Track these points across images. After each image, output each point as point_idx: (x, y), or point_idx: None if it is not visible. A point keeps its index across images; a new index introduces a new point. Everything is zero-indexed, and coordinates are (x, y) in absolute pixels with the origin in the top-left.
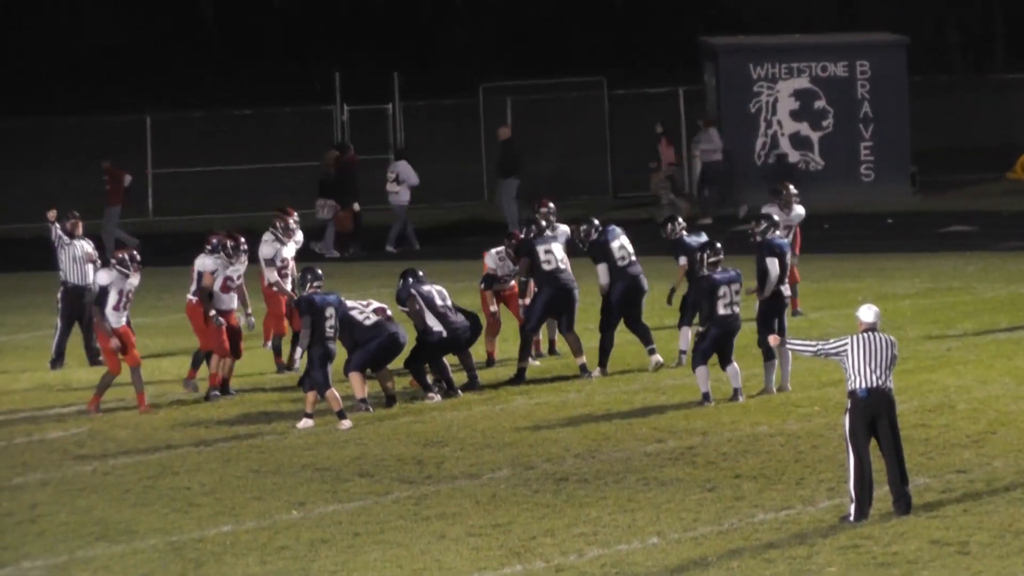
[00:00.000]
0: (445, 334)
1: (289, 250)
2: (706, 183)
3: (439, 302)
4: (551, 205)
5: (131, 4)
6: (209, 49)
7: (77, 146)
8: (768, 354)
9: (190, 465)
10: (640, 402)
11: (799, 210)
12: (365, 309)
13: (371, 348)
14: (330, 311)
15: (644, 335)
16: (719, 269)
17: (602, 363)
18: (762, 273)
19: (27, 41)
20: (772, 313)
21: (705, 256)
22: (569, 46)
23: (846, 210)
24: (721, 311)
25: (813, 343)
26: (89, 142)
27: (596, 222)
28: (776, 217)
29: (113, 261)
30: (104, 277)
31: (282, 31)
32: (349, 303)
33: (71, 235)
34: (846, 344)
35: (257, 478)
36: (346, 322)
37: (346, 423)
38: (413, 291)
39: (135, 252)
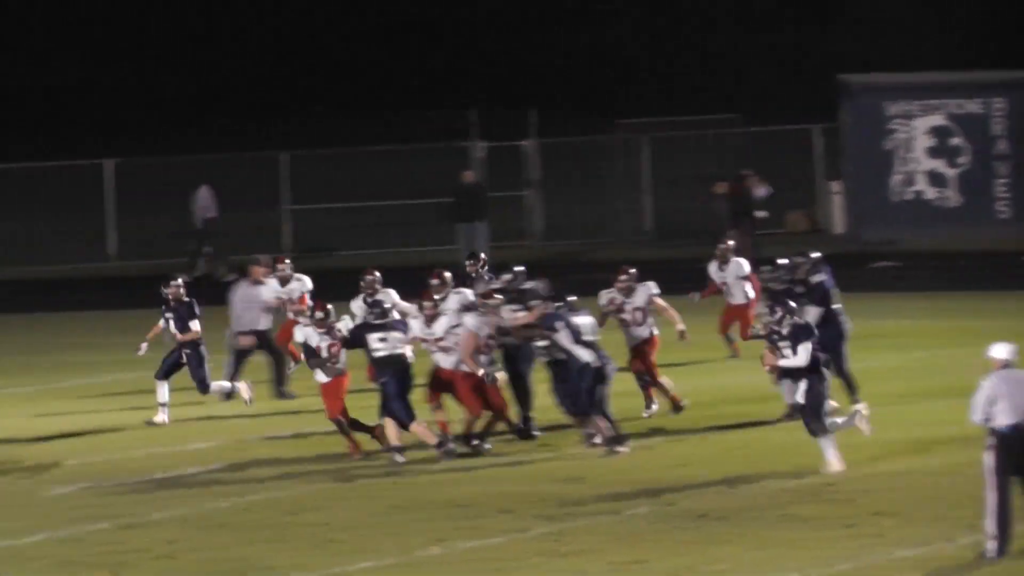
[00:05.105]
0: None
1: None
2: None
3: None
4: (632, 271)
5: (274, 45)
6: (350, 89)
7: (213, 182)
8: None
9: (328, 501)
10: (779, 439)
11: None
12: (389, 339)
13: (391, 392)
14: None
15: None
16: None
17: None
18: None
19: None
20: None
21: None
22: (706, 83)
23: (982, 247)
24: None
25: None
26: (226, 177)
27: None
28: None
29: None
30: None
31: (420, 70)
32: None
33: (256, 282)
34: (986, 391)
35: (396, 514)
36: (364, 343)
37: None
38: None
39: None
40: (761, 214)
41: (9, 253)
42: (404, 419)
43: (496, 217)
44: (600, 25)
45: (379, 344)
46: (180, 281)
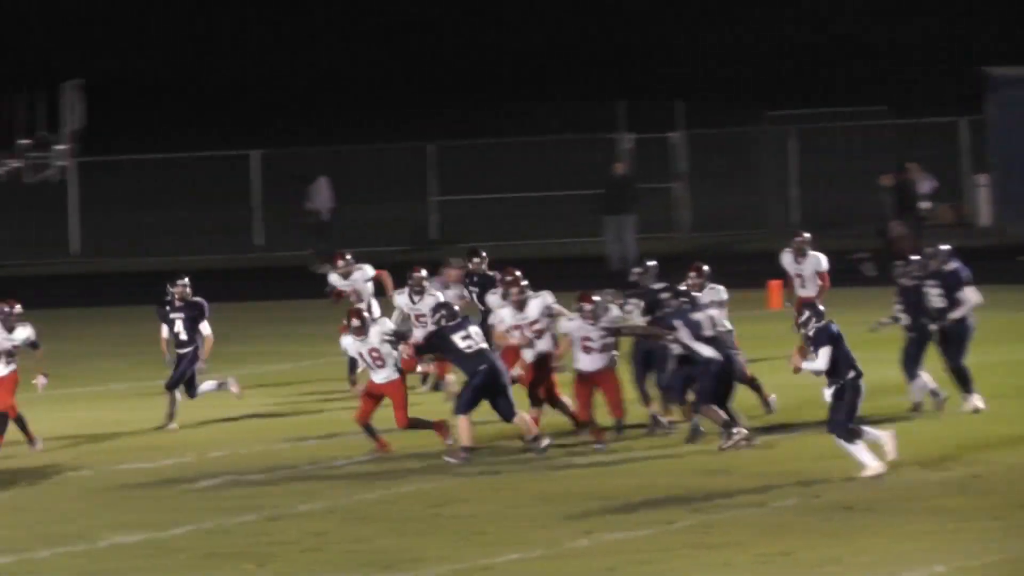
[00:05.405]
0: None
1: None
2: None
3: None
4: (705, 269)
5: (423, 35)
6: (498, 80)
7: (358, 173)
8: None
9: (475, 493)
10: (926, 432)
11: None
12: (471, 335)
13: (475, 384)
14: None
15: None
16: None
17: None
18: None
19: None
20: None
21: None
22: (853, 75)
23: None
24: None
25: None
26: (371, 170)
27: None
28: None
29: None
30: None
31: (569, 61)
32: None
33: (446, 284)
34: None
35: (543, 506)
36: (449, 346)
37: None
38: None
39: (365, 315)
40: (925, 205)
41: (157, 243)
42: (461, 409)
43: (644, 209)
44: (749, 17)
45: (464, 343)
46: (187, 280)
